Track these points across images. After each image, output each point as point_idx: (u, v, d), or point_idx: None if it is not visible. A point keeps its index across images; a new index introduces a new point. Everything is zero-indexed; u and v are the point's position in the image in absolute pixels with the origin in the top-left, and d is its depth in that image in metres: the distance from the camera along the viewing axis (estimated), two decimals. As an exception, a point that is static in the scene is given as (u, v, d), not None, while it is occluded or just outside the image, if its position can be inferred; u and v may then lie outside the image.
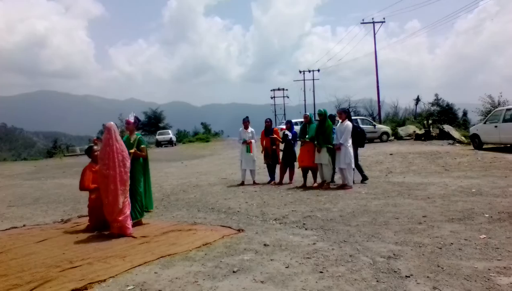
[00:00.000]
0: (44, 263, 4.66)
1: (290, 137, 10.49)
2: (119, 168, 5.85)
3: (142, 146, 6.70)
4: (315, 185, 9.69)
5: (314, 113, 11.19)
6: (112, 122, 6.09)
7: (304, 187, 9.67)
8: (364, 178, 10.04)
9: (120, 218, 5.80)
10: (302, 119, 11.40)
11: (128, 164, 6.00)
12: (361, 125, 22.43)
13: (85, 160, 7.47)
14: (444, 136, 22.54)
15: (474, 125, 20.83)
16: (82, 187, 6.73)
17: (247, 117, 10.97)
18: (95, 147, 6.99)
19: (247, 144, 10.68)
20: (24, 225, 7.15)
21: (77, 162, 23.98)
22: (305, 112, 53.11)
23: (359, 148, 10.31)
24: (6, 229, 6.89)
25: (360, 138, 10.34)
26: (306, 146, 9.83)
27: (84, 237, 5.94)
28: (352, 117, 10.79)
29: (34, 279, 4.09)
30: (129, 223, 5.96)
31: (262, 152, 11.05)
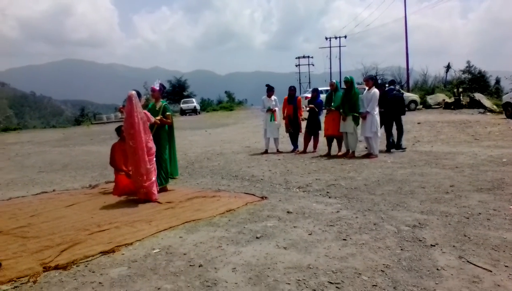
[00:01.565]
0: (74, 226, 4.81)
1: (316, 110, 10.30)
2: (144, 136, 5.91)
3: (167, 113, 6.72)
4: (340, 153, 9.60)
5: (340, 81, 10.89)
6: (133, 91, 6.03)
7: (328, 156, 9.59)
8: (390, 147, 9.87)
9: (146, 184, 5.90)
10: (328, 88, 11.18)
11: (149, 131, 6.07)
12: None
13: (111, 128, 7.59)
14: (475, 105, 21.82)
15: (507, 93, 20.01)
16: (113, 165, 6.92)
17: (270, 85, 10.84)
18: (123, 128, 7.07)
19: (271, 112, 10.59)
20: (54, 190, 7.39)
21: (104, 129, 24.45)
22: (331, 80, 52.32)
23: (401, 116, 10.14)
24: (37, 194, 7.14)
25: (400, 105, 10.12)
26: (332, 115, 9.66)
27: (111, 202, 6.09)
28: (389, 86, 10.48)
29: (64, 242, 4.23)
30: (155, 189, 6.07)
31: (284, 120, 10.86)
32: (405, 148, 10.03)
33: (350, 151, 9.43)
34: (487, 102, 22.02)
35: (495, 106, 20.59)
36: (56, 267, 3.56)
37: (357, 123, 9.27)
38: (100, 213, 5.46)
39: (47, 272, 3.53)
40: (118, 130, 7.13)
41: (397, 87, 10.88)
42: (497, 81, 38.89)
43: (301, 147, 10.57)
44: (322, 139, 10.52)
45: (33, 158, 12.76)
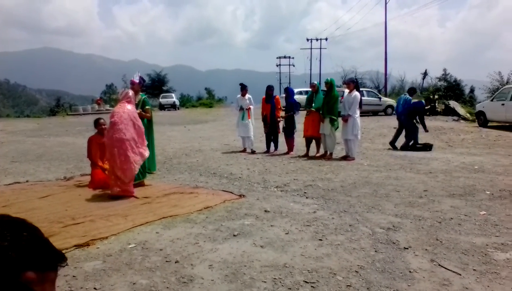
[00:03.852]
0: (47, 219, 4.72)
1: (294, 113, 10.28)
2: (132, 131, 5.84)
3: (146, 107, 6.66)
4: (318, 155, 9.68)
5: (320, 83, 10.90)
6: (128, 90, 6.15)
7: (307, 156, 9.66)
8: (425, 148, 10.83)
9: (119, 189, 5.77)
10: (307, 89, 11.25)
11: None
12: (366, 97, 22.28)
13: (87, 120, 7.47)
14: (450, 112, 22.35)
15: (480, 102, 20.60)
16: (90, 158, 6.82)
17: (244, 84, 10.81)
18: (101, 120, 6.94)
19: (243, 111, 10.54)
20: (27, 181, 7.22)
21: (79, 121, 23.97)
22: (311, 81, 52.64)
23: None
24: (9, 184, 6.96)
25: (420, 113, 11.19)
26: (312, 116, 9.71)
27: (86, 195, 5.99)
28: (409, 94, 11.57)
29: (37, 233, 4.14)
30: (131, 188, 5.99)
31: (262, 120, 10.72)
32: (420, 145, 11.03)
33: (328, 153, 9.54)
34: (461, 110, 22.59)
35: (468, 115, 21.14)
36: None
37: (335, 126, 9.37)
38: (74, 205, 5.37)
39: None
40: (96, 123, 7.01)
41: (406, 95, 11.71)
42: (472, 90, 39.95)
43: (282, 147, 10.49)
44: (299, 140, 10.57)
45: (5, 147, 12.42)
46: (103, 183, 6.36)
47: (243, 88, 10.74)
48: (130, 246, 3.91)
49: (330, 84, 9.53)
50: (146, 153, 5.93)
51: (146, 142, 5.97)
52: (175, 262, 3.52)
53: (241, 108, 10.57)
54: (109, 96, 46.42)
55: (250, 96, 10.76)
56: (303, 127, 10.00)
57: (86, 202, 5.59)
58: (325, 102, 9.41)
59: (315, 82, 10.64)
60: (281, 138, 10.54)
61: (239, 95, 10.83)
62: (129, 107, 5.89)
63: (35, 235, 0.80)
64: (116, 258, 3.63)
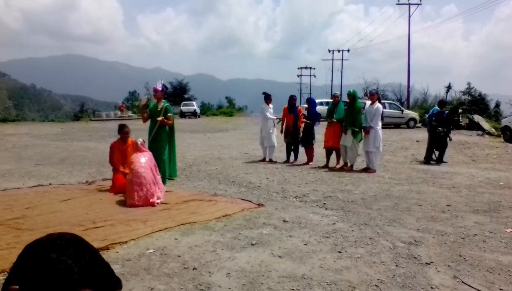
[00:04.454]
0: (68, 221, 4.79)
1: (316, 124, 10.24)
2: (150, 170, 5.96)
3: (169, 114, 6.73)
4: (338, 166, 9.59)
5: (341, 94, 10.82)
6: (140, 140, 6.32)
7: (326, 167, 9.57)
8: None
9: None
10: (327, 100, 11.18)
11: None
12: (388, 110, 22.05)
13: (110, 125, 7.58)
14: (474, 126, 21.90)
15: (506, 117, 20.11)
16: (112, 164, 6.91)
17: (267, 93, 10.78)
18: (126, 128, 7.01)
19: (278, 119, 10.58)
20: (50, 184, 7.35)
21: (102, 126, 24.38)
22: (331, 92, 52.23)
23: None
24: (33, 186, 7.10)
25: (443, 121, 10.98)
26: (333, 127, 9.65)
27: (107, 200, 6.07)
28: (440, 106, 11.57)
29: (58, 236, 4.20)
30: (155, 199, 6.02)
31: (281, 132, 10.68)
32: (446, 161, 10.93)
33: (349, 164, 9.43)
34: (486, 125, 22.11)
35: (493, 129, 20.66)
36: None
37: (358, 138, 9.27)
38: (95, 209, 5.44)
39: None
40: (120, 128, 7.06)
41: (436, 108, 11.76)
42: (497, 105, 39.06)
43: (302, 157, 10.41)
44: (319, 151, 10.50)
45: (30, 150, 12.71)
46: (124, 188, 6.42)
47: (268, 97, 10.68)
48: (149, 251, 3.93)
49: (352, 95, 9.45)
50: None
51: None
52: (193, 269, 3.51)
53: (277, 117, 10.57)
54: (132, 103, 47.15)
55: (272, 105, 10.72)
56: (323, 138, 9.94)
57: (106, 206, 5.65)
58: (348, 114, 9.33)
59: (337, 93, 10.57)
60: (301, 149, 10.46)
61: (264, 105, 10.72)
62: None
63: (97, 256, 0.83)
64: (135, 262, 3.64)
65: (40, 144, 14.57)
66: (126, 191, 5.84)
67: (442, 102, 12.22)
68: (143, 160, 5.95)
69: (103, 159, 9.57)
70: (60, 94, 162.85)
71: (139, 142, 6.21)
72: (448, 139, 11.03)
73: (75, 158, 10.98)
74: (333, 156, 9.83)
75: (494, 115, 32.68)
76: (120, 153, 6.82)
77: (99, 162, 10.07)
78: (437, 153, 11.00)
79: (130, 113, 38.27)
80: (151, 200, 5.69)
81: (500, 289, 3.25)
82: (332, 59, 55.05)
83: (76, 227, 4.55)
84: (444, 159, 10.95)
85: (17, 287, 0.77)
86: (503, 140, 16.62)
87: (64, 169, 9.20)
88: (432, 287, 3.26)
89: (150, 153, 6.21)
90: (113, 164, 6.88)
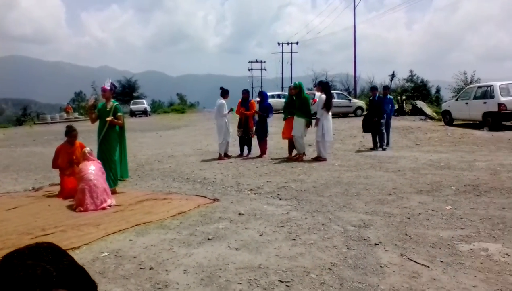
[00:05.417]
0: (16, 230, 4.60)
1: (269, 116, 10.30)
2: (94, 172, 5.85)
3: (118, 114, 6.58)
4: (291, 156, 9.79)
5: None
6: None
7: (284, 159, 9.68)
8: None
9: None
10: (279, 92, 11.30)
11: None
12: (337, 100, 22.68)
13: (56, 128, 7.31)
14: (417, 112, 22.97)
15: (446, 102, 21.27)
16: (55, 166, 6.69)
17: (225, 88, 10.66)
18: (73, 131, 6.78)
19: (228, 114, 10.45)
20: (-7, 193, 7.00)
21: (48, 130, 23.34)
22: (282, 85, 52.73)
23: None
24: (-26, 197, 6.73)
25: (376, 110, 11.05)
26: (290, 119, 9.78)
27: (56, 205, 5.87)
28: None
29: (5, 246, 4.03)
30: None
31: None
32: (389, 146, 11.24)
33: (298, 154, 9.61)
34: (428, 109, 23.25)
35: (435, 114, 21.77)
36: (-3, 273, 3.39)
37: (305, 127, 9.47)
38: (44, 216, 5.25)
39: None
40: (68, 130, 6.81)
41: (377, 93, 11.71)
42: (438, 90, 41.11)
43: (255, 150, 10.48)
44: (272, 143, 10.65)
45: (-31, 159, 11.97)
46: (73, 192, 6.24)
47: (226, 93, 10.54)
48: (102, 254, 3.87)
49: (299, 88, 9.63)
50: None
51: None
52: (150, 269, 3.50)
53: (231, 110, 10.41)
54: (78, 104, 45.45)
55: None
56: (280, 130, 10.03)
57: (56, 212, 5.47)
58: (298, 106, 9.50)
59: (296, 83, 10.32)
60: (254, 142, 10.55)
61: (222, 101, 10.39)
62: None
63: (73, 262, 0.86)
64: (89, 267, 3.57)
65: (-21, 153, 13.74)
66: (77, 198, 5.69)
67: (386, 87, 12.29)
68: (93, 168, 5.83)
69: (50, 164, 9.21)
70: (1, 98, 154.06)
71: (87, 151, 6.07)
72: (380, 124, 10.97)
73: (20, 164, 10.48)
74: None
75: (436, 100, 34.46)
76: (67, 155, 6.61)
77: (45, 167, 9.65)
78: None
79: (76, 114, 36.86)
80: (103, 205, 5.59)
81: (441, 261, 3.50)
82: (282, 52, 55.69)
83: (25, 236, 4.39)
84: (390, 144, 11.40)
85: None
86: (444, 124, 17.59)
87: (9, 176, 8.78)
88: (381, 266, 3.45)
89: (99, 162, 6.10)
90: (59, 167, 6.64)
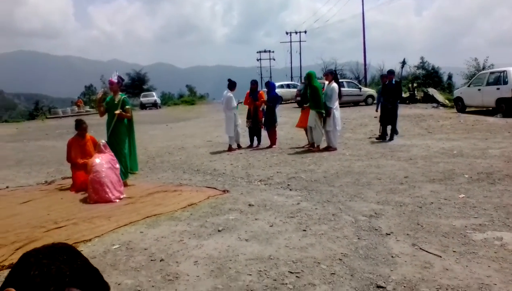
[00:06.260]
0: (29, 224, 4.66)
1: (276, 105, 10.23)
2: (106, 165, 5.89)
3: (127, 107, 6.60)
4: (307, 146, 9.75)
5: (301, 76, 10.84)
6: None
7: (294, 149, 9.64)
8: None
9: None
10: (288, 82, 11.23)
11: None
12: (347, 88, 22.48)
13: (67, 122, 7.36)
14: (429, 99, 22.68)
15: (458, 88, 20.95)
16: (70, 160, 6.74)
17: (232, 80, 10.57)
18: (83, 124, 6.82)
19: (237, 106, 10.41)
20: (7, 187, 7.09)
21: (60, 124, 23.57)
22: (291, 74, 52.34)
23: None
24: (-12, 191, 6.83)
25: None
26: (308, 109, 9.63)
27: (68, 198, 5.93)
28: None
29: (18, 239, 4.09)
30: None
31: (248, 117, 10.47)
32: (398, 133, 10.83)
33: (316, 145, 9.50)
34: (440, 97, 22.94)
35: (447, 101, 21.47)
36: (10, 267, 3.44)
37: (320, 118, 9.34)
38: (57, 209, 5.31)
39: (1, 271, 3.41)
40: (78, 124, 6.87)
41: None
42: (449, 77, 40.50)
43: (265, 141, 10.44)
44: (282, 133, 10.58)
45: (-17, 154, 12.15)
46: (85, 185, 6.29)
47: (235, 85, 10.42)
48: (114, 247, 3.89)
49: (308, 77, 9.54)
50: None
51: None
52: (160, 261, 3.52)
53: (238, 103, 10.38)
54: (89, 98, 45.75)
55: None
56: (296, 120, 9.92)
57: (68, 205, 5.53)
58: (310, 96, 9.40)
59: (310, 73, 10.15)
60: (264, 132, 10.50)
61: (230, 94, 10.19)
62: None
63: (87, 262, 0.90)
64: (100, 259, 3.60)
65: (-7, 147, 13.94)
66: (88, 190, 5.75)
67: (390, 72, 11.44)
68: (105, 160, 5.88)
69: (62, 157, 9.28)
70: (13, 93, 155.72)
71: (101, 144, 6.11)
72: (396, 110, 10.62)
73: (33, 158, 10.61)
74: (303, 134, 9.82)
75: (448, 87, 33.96)
76: (79, 148, 6.66)
77: (58, 160, 9.76)
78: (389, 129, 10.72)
79: (87, 108, 37.12)
80: (113, 198, 5.63)
81: (454, 251, 3.45)
82: (290, 41, 55.28)
83: (38, 229, 4.44)
84: (400, 132, 11.20)
85: (13, 289, 0.83)
86: (456, 111, 17.34)
87: (22, 170, 8.89)
88: (392, 256, 3.42)
89: (112, 154, 6.13)
90: (72, 160, 6.70)
